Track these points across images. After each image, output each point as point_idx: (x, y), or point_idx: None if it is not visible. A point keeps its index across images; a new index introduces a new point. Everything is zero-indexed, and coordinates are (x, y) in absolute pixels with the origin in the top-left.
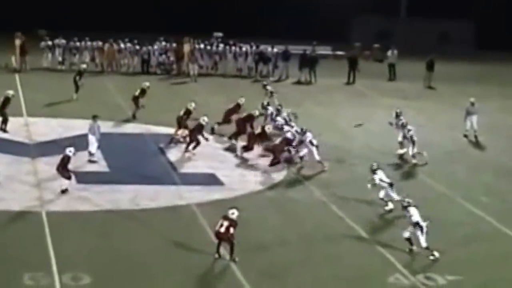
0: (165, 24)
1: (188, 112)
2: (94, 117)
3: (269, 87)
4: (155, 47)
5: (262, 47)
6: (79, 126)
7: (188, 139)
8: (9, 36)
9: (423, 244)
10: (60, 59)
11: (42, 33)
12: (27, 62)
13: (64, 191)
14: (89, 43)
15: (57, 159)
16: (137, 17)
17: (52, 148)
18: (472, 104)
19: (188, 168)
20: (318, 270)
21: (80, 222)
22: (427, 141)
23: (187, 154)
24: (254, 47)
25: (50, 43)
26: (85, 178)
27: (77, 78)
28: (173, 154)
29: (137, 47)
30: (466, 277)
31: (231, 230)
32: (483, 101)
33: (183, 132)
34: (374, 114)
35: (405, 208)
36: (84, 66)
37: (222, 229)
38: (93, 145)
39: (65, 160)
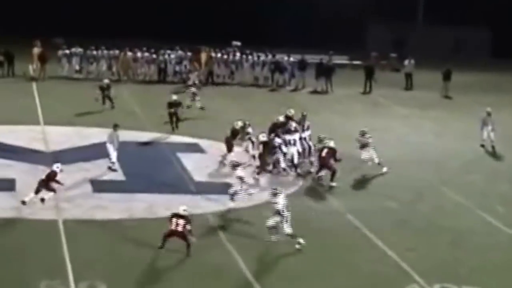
0: (181, 33)
1: (235, 132)
2: (115, 126)
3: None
4: (172, 56)
5: (278, 56)
6: (95, 135)
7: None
8: (27, 43)
9: (287, 230)
10: (77, 67)
11: (60, 41)
12: (45, 70)
13: (43, 200)
14: (105, 51)
15: (74, 167)
16: (154, 25)
17: (69, 157)
18: (489, 114)
19: (204, 177)
20: (333, 280)
21: (96, 230)
22: (444, 151)
23: (257, 177)
24: (270, 56)
25: (67, 51)
26: (101, 186)
27: (106, 92)
28: (190, 163)
29: (154, 55)
30: (483, 286)
31: (188, 227)
32: (499, 110)
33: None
34: (390, 123)
35: (274, 195)
36: (106, 81)
37: (180, 228)
38: (113, 154)
39: (51, 175)
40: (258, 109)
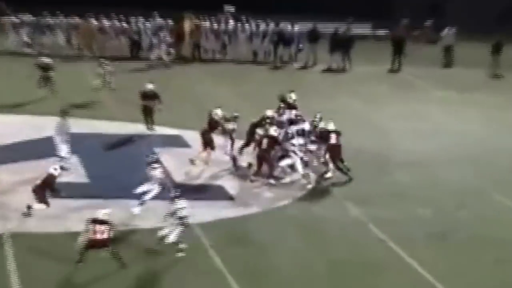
0: None
1: (213, 124)
2: (63, 113)
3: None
4: (148, 25)
5: (282, 25)
6: (51, 126)
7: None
8: None
9: (172, 238)
10: (27, 40)
11: (3, 6)
12: None
13: (28, 212)
14: (63, 19)
15: (23, 166)
16: None
17: (16, 153)
18: None
19: (189, 179)
20: None
21: (52, 246)
22: (491, 145)
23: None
24: (271, 25)
25: (15, 19)
26: (58, 191)
27: (46, 73)
28: (170, 160)
29: (125, 25)
30: None
31: (110, 234)
32: None
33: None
34: (424, 110)
35: (174, 199)
36: (47, 60)
37: (105, 236)
38: (62, 148)
39: (49, 180)
40: (257, 93)
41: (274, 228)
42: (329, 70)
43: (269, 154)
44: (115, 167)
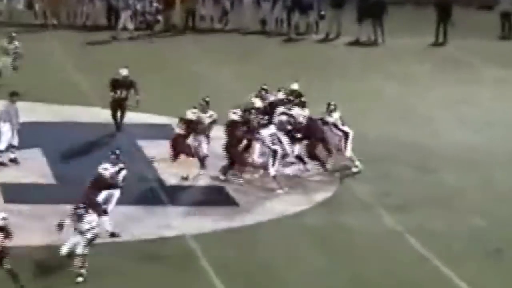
0: None
1: (189, 126)
2: (12, 96)
3: None
4: None
5: None
6: None
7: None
8: None
9: (81, 250)
10: None
11: None
12: None
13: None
14: None
15: None
16: None
17: None
18: None
19: (182, 180)
20: None
21: (8, 264)
22: None
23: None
24: None
25: None
26: (17, 194)
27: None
28: (158, 156)
29: None
30: None
31: (7, 242)
32: None
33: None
34: (476, 95)
35: (81, 216)
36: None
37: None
38: (7, 137)
39: (99, 183)
40: (265, 74)
41: (287, 240)
42: (357, 43)
43: (236, 146)
44: (90, 165)
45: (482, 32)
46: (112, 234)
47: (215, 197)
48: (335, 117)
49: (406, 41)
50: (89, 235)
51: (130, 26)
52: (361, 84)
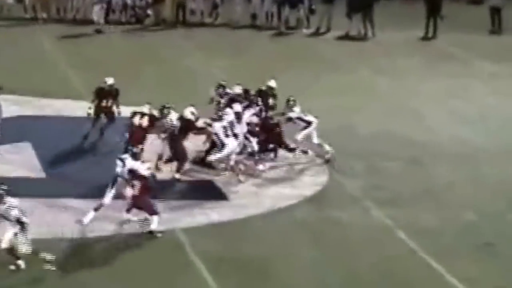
0: None
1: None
2: None
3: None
4: None
5: None
6: None
7: None
8: None
9: (25, 248)
10: None
11: None
12: None
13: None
14: None
15: None
16: None
17: None
18: None
19: (168, 173)
20: None
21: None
22: None
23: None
24: None
25: None
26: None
27: None
28: (148, 151)
29: None
30: None
31: None
32: None
33: None
34: (467, 88)
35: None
36: None
37: None
38: None
39: (142, 183)
40: (255, 67)
41: (277, 234)
42: (347, 37)
43: (178, 142)
44: (79, 159)
45: (472, 27)
46: (151, 232)
47: (204, 191)
48: (297, 111)
49: (396, 35)
50: (12, 217)
51: (101, 20)
52: (351, 79)
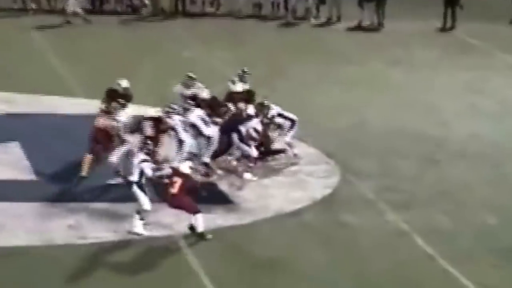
0: None
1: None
2: None
3: None
4: None
5: None
6: None
7: None
8: None
9: None
10: None
11: None
12: None
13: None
14: None
15: None
16: None
17: None
18: None
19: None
20: None
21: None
22: None
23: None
24: None
25: None
26: None
27: None
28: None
29: None
30: None
31: None
32: None
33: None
34: (487, 81)
35: None
36: None
37: None
38: None
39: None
40: (261, 60)
41: (286, 239)
42: (358, 27)
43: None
44: (73, 159)
45: (493, 16)
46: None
47: (208, 195)
48: (275, 109)
49: (412, 26)
50: None
51: (78, 9)
52: (363, 72)
